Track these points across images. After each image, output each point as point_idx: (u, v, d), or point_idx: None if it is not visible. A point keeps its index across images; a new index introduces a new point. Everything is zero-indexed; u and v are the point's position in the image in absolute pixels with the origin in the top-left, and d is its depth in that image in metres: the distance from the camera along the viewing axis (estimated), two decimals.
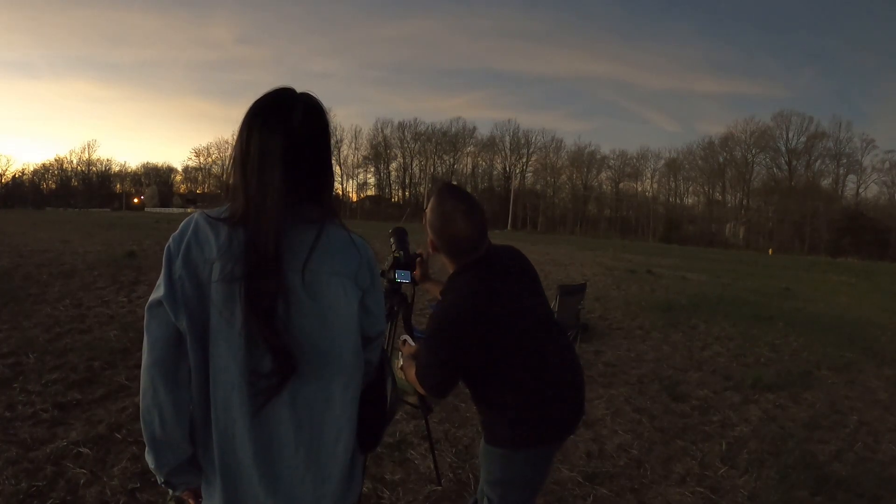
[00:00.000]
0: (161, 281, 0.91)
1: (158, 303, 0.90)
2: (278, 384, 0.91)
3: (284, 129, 0.93)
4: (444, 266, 1.64)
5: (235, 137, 0.97)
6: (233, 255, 0.90)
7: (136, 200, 73.24)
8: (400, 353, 1.76)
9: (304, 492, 0.96)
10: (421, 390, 1.54)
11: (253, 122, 0.94)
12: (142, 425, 0.94)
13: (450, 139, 72.68)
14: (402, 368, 1.67)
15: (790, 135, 62.46)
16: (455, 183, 1.87)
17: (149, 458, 0.96)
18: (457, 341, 1.43)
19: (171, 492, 1.02)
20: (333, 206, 1.03)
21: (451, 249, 1.53)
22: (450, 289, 1.55)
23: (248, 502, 0.94)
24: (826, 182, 62.05)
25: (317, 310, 0.95)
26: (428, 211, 1.56)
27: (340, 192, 74.15)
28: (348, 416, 1.01)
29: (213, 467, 0.94)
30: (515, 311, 1.49)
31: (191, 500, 1.03)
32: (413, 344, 1.71)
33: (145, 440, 0.95)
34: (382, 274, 2.34)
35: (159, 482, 0.99)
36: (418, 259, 2.05)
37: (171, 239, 0.94)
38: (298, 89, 0.99)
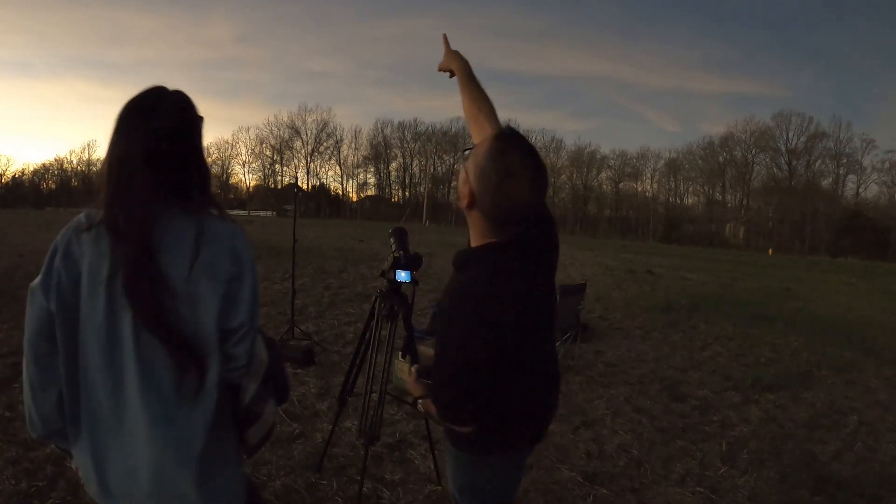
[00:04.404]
0: (42, 270, 1.03)
1: (33, 289, 1.04)
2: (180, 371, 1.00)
3: (146, 130, 0.99)
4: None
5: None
6: (100, 254, 0.99)
7: None
8: (400, 354, 1.73)
9: (160, 455, 1.01)
10: (442, 418, 1.25)
11: (118, 124, 1.01)
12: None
13: (450, 139, 72.56)
14: (422, 404, 1.39)
15: (790, 135, 62.41)
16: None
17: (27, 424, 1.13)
18: (483, 323, 1.14)
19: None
20: (211, 200, 1.07)
21: (500, 216, 1.17)
22: (475, 262, 1.24)
23: (112, 464, 1.03)
24: (826, 182, 62.01)
25: (189, 301, 1.00)
26: (482, 156, 1.15)
27: (340, 192, 74.20)
28: (213, 402, 1.03)
29: (83, 439, 1.06)
30: (531, 312, 1.27)
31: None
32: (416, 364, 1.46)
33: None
34: (382, 274, 2.34)
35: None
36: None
37: (59, 234, 1.04)
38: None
